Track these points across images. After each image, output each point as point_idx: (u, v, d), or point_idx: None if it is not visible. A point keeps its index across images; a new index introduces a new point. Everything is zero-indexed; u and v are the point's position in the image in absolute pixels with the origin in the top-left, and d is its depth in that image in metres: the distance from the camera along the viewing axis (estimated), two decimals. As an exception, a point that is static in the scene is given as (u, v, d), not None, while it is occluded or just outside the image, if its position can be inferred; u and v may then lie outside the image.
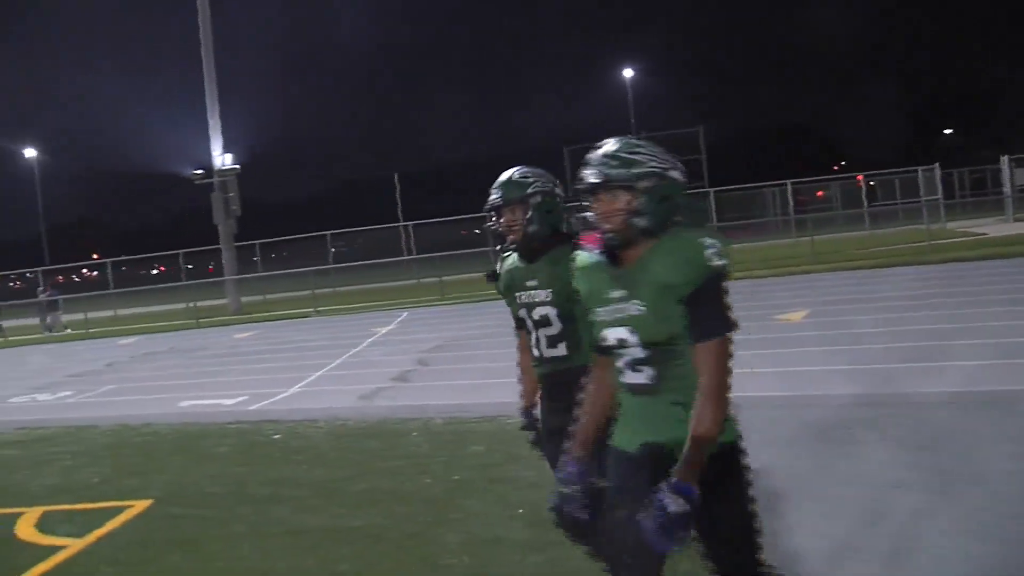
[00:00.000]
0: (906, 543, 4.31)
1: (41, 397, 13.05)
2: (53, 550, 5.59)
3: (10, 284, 45.85)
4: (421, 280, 29.85)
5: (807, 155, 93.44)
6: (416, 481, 6.31)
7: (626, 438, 2.70)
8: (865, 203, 39.88)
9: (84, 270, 57.04)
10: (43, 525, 6.18)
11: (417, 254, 34.66)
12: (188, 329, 23.26)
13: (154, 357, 17.17)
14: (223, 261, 29.79)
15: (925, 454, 5.63)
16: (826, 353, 9.38)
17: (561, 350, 3.52)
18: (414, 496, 5.98)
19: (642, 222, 2.55)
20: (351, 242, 46.62)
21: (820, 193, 45.42)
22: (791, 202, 38.29)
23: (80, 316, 28.18)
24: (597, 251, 2.68)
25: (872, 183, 43.15)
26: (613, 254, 2.64)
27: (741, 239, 31.17)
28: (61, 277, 46.82)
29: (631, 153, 2.61)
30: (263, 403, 10.18)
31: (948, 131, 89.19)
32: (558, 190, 3.61)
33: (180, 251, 40.63)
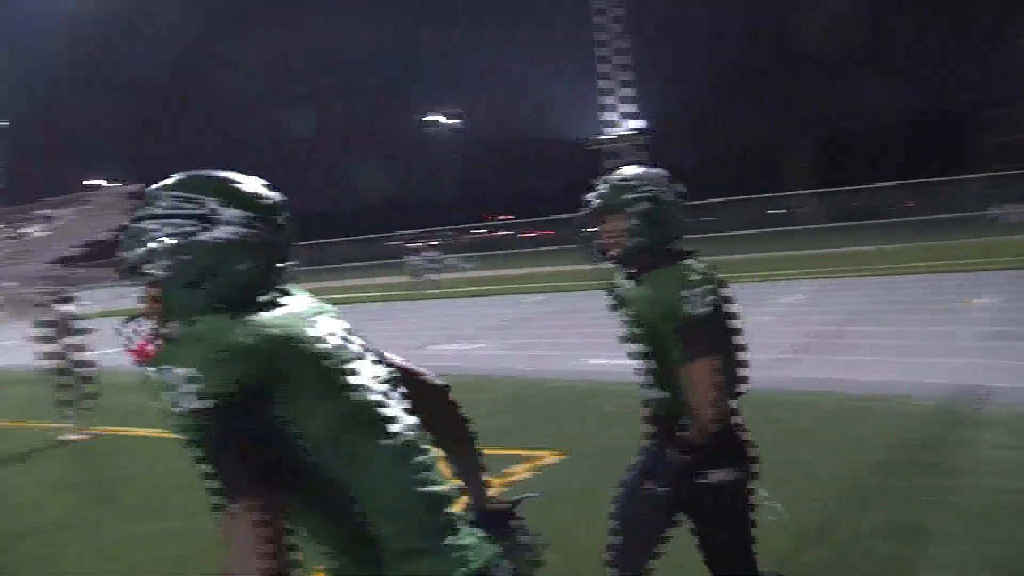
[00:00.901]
0: None
1: (456, 346, 14.07)
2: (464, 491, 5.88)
3: (451, 241, 49.65)
4: (833, 250, 28.51)
5: None
6: (828, 457, 5.97)
7: None
8: None
9: (485, 230, 61.03)
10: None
11: (825, 222, 33.07)
12: (591, 290, 23.97)
13: (558, 315, 17.94)
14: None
15: None
16: None
17: (660, 392, 2.96)
18: (824, 473, 5.65)
19: None
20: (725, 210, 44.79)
21: None
22: None
23: (489, 273, 30.09)
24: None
25: None
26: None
27: None
28: (457, 238, 50.06)
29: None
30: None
31: None
32: (669, 196, 2.99)
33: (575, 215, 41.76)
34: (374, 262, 43.06)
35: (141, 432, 8.78)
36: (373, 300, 27.76)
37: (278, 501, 1.43)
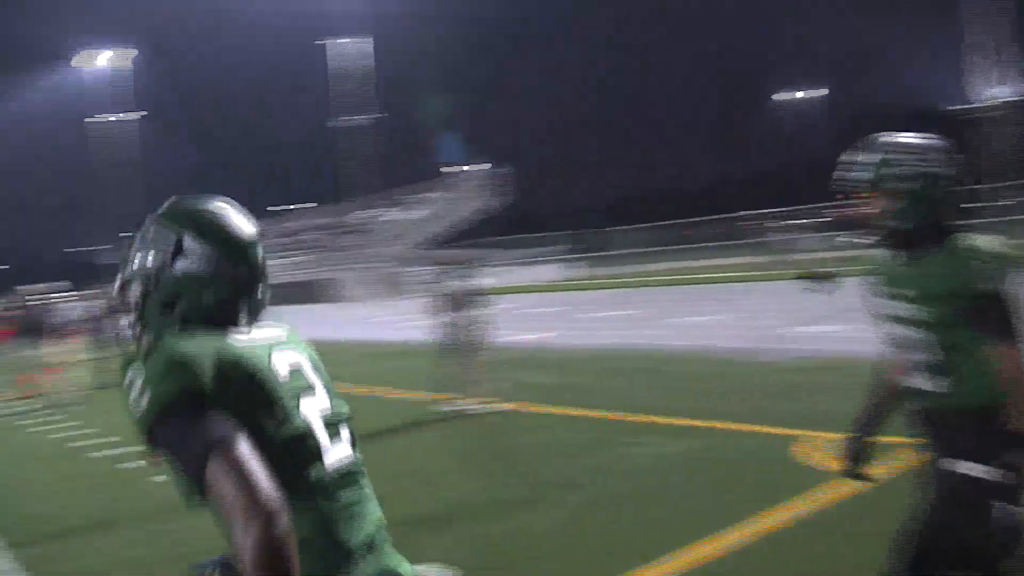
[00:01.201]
0: None
1: (819, 328, 13.54)
2: (834, 475, 5.53)
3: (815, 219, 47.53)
4: None
5: None
6: None
7: None
8: None
9: (844, 208, 57.59)
10: (824, 450, 6.17)
11: None
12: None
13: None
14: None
15: None
16: None
17: (939, 384, 2.60)
18: None
19: None
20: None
21: None
22: None
23: (854, 252, 28.51)
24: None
25: None
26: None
27: None
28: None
29: None
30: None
31: None
32: (941, 171, 2.61)
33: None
34: (732, 242, 42.30)
35: (534, 408, 9.29)
36: (734, 280, 27.43)
37: (248, 444, 1.50)
